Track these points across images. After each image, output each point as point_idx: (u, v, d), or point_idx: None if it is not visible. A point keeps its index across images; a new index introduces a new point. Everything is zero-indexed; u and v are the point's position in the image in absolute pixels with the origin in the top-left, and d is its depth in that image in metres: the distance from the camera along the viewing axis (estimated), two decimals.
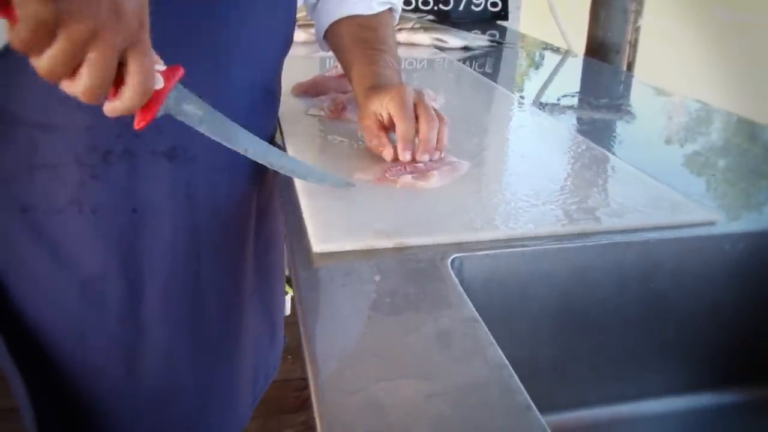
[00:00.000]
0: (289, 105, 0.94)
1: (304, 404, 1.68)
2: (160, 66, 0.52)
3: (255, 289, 0.90)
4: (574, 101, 1.12)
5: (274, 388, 1.72)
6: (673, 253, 0.61)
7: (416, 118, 0.72)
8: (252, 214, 0.83)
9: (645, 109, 1.12)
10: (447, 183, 0.69)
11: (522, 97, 1.12)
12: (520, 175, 0.72)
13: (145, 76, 0.48)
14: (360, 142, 0.81)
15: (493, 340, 0.44)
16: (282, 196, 0.68)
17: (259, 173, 0.84)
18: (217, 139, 0.59)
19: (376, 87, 0.77)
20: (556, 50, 1.63)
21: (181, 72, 0.54)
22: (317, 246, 0.55)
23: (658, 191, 0.68)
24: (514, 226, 0.59)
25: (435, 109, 0.74)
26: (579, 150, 0.80)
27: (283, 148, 0.80)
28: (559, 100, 1.12)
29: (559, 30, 1.71)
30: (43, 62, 0.44)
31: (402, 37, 1.53)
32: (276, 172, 0.74)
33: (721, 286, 0.63)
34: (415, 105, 0.73)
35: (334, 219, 0.60)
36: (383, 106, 0.73)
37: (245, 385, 0.90)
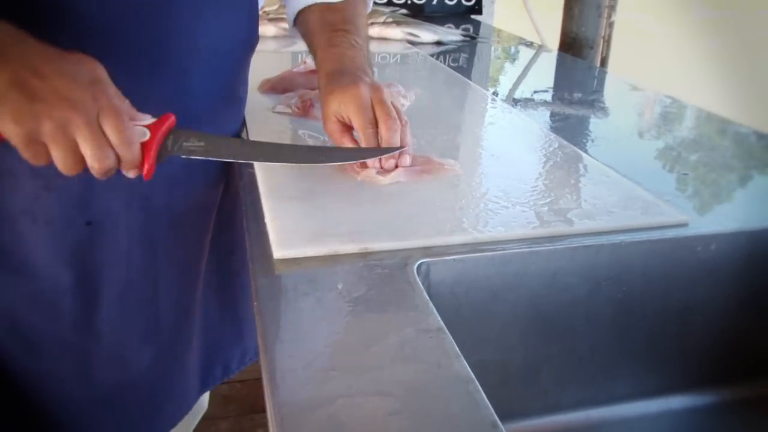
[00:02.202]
0: (255, 102, 0.91)
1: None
2: (148, 120, 0.58)
3: (216, 289, 0.88)
4: (547, 96, 1.11)
5: (247, 387, 1.70)
6: (644, 255, 0.59)
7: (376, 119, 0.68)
8: (211, 221, 0.81)
9: (618, 104, 1.11)
10: (409, 180, 0.67)
11: (495, 94, 1.11)
12: (490, 175, 0.70)
13: (120, 136, 0.53)
14: (328, 139, 0.79)
15: (459, 352, 0.43)
16: (244, 199, 0.66)
17: (223, 179, 0.82)
18: (229, 160, 0.63)
19: (336, 75, 0.72)
20: (529, 45, 1.62)
21: (172, 120, 0.59)
22: (278, 252, 0.53)
23: (630, 191, 0.67)
24: (483, 229, 0.57)
25: (395, 106, 0.69)
26: (551, 148, 0.79)
27: None
28: (532, 95, 1.11)
29: (533, 25, 1.69)
30: (58, 163, 0.52)
31: (374, 31, 1.50)
32: (242, 176, 0.72)
33: (691, 287, 0.63)
34: (373, 104, 0.68)
35: (297, 223, 0.57)
36: (341, 108, 0.69)
37: (196, 377, 0.88)
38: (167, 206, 0.73)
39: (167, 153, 0.58)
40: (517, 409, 0.63)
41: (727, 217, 0.64)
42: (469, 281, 0.56)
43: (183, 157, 0.60)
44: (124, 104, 0.55)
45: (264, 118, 0.87)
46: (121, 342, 0.75)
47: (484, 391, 0.39)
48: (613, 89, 1.24)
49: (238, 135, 0.83)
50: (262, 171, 0.69)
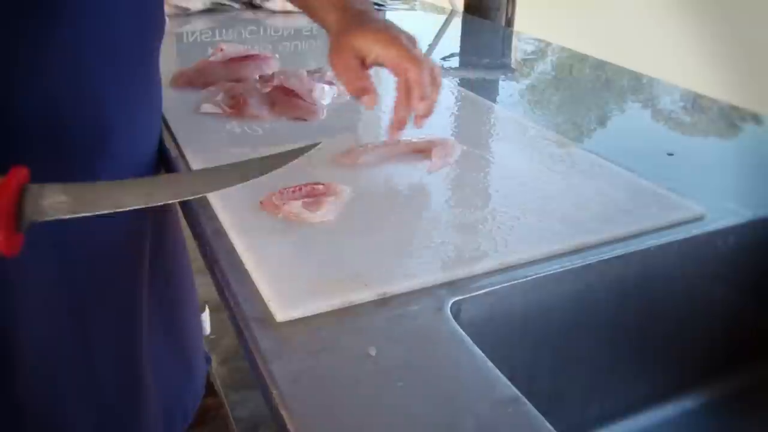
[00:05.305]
0: (172, 101, 0.77)
1: (206, 416, 1.54)
2: None
3: (162, 326, 0.75)
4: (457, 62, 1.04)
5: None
6: (671, 258, 0.54)
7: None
8: (146, 248, 0.68)
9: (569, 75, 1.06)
10: (341, 212, 0.54)
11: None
12: (470, 173, 0.62)
13: None
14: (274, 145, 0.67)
15: (550, 427, 0.35)
16: (202, 233, 0.53)
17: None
18: (104, 212, 0.43)
19: (357, 14, 0.64)
20: (441, 11, 1.55)
21: (22, 174, 0.42)
22: (281, 313, 0.42)
23: (631, 182, 0.61)
24: (505, 249, 0.49)
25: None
26: (510, 128, 0.71)
27: (184, 161, 0.64)
28: (445, 59, 1.03)
29: None
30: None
31: (278, 5, 1.36)
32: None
33: (710, 281, 0.58)
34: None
35: (289, 268, 0.46)
36: (370, 48, 0.61)
37: (158, 430, 0.76)
38: (88, 245, 0.60)
39: (27, 220, 0.42)
40: None
41: (733, 201, 0.60)
42: (501, 315, 0.48)
43: (44, 219, 0.42)
44: None
45: (189, 122, 0.73)
46: (50, 414, 0.61)
47: None
48: (538, 54, 1.19)
49: (159, 144, 0.69)
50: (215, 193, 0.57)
